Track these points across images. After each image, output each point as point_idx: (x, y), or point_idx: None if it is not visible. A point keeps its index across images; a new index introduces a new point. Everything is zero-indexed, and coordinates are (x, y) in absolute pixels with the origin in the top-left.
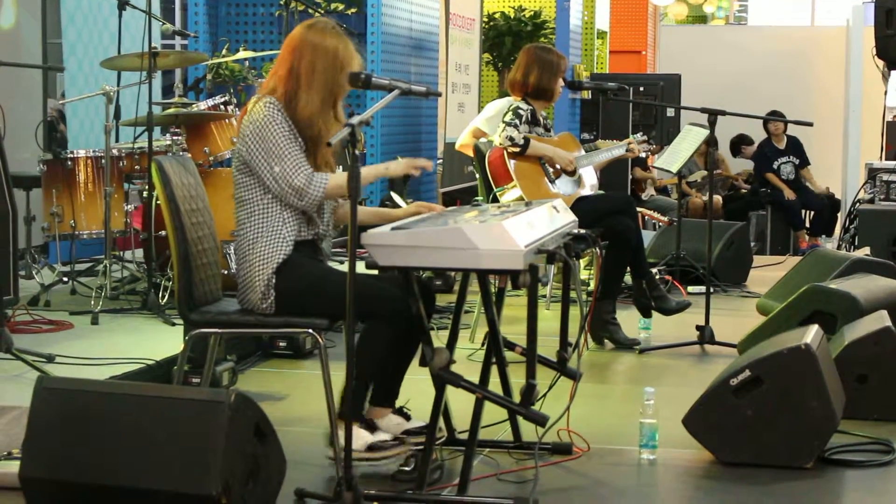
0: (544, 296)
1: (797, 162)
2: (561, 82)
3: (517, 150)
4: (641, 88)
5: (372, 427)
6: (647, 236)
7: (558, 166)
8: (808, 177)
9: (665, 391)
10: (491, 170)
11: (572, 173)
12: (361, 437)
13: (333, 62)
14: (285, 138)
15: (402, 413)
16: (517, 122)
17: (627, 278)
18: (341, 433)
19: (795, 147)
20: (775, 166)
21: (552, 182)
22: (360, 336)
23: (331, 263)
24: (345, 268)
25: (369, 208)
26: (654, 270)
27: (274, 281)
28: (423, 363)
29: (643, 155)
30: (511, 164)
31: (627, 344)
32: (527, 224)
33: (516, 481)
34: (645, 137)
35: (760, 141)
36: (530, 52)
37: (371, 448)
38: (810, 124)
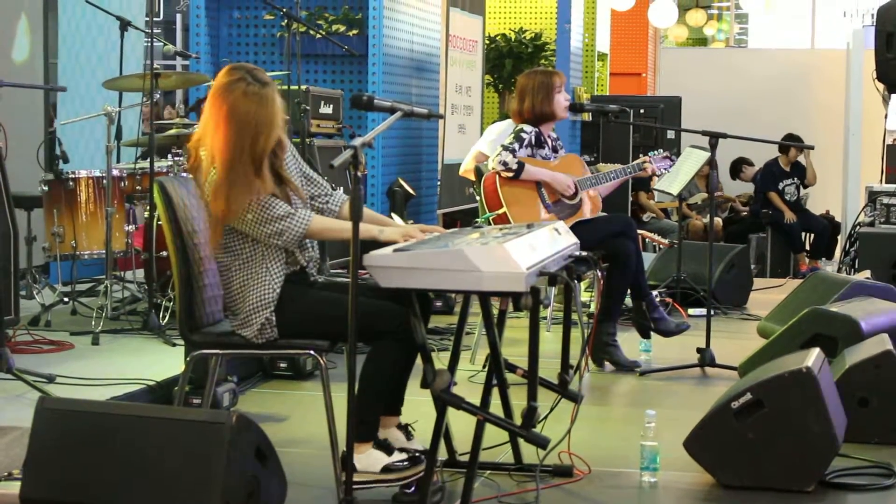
0: (545, 318)
1: (800, 184)
2: (565, 97)
3: (510, 174)
4: (642, 111)
5: (388, 449)
6: (647, 258)
7: (557, 190)
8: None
9: (666, 413)
10: (485, 195)
11: (572, 196)
12: (376, 458)
13: (257, 130)
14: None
15: (406, 430)
16: (516, 146)
17: (628, 300)
18: (355, 454)
19: (800, 170)
20: (780, 187)
21: (547, 207)
22: (368, 358)
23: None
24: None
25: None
26: (655, 293)
27: (273, 319)
28: (424, 385)
29: (662, 172)
30: (502, 189)
31: (627, 366)
32: (528, 246)
33: None
34: (666, 153)
35: (768, 160)
36: (521, 79)
37: (386, 469)
38: (811, 148)
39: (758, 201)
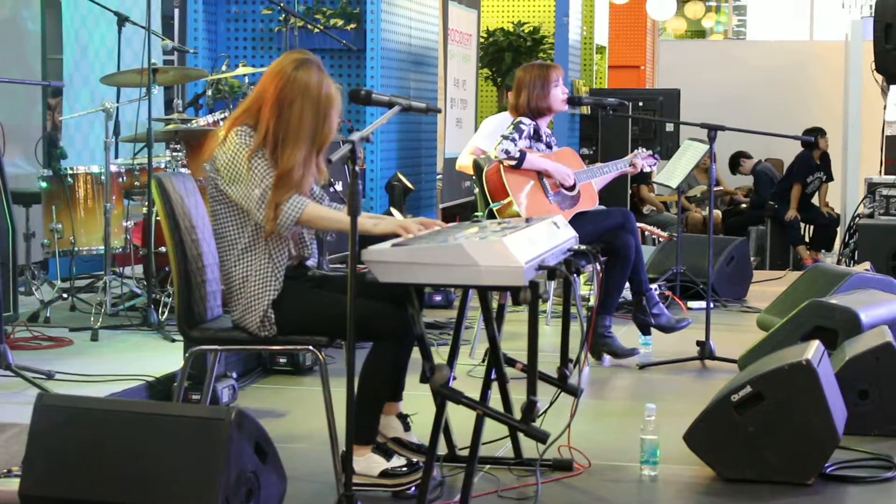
0: (544, 312)
1: (824, 178)
2: (563, 90)
3: (513, 163)
4: (640, 103)
5: (387, 454)
6: (647, 251)
7: (556, 181)
8: (823, 191)
9: (665, 407)
10: (488, 185)
11: (571, 188)
12: (375, 462)
13: (319, 110)
14: (263, 161)
15: (404, 421)
16: (516, 136)
17: (627, 294)
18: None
19: (826, 164)
20: (809, 179)
21: (549, 197)
22: (367, 360)
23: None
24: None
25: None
26: (654, 286)
27: (272, 315)
28: (423, 380)
29: (648, 170)
30: (507, 178)
31: (626, 353)
32: (527, 240)
33: (517, 498)
34: (650, 152)
35: (801, 152)
36: (519, 72)
37: (384, 474)
38: (811, 140)
39: (783, 190)
